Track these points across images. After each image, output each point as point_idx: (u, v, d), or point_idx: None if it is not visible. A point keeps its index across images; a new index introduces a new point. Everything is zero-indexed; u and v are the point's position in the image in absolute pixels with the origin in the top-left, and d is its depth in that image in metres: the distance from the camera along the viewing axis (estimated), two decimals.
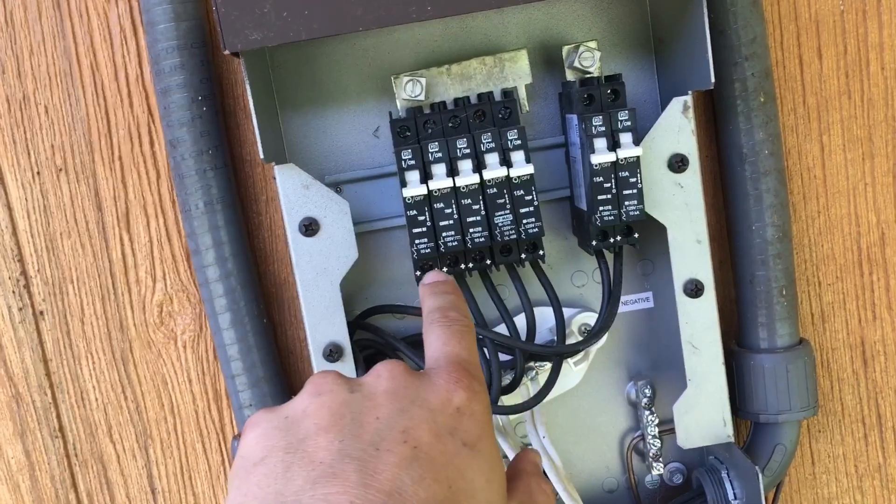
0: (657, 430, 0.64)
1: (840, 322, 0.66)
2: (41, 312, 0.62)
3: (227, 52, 0.49)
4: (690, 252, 0.58)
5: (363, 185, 0.62)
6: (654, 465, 0.64)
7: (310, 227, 0.56)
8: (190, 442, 0.64)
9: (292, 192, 0.56)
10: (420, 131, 0.55)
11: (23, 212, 0.61)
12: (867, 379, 0.67)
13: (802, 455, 0.68)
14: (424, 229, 0.55)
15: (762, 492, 0.57)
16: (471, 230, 0.55)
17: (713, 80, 0.53)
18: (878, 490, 0.68)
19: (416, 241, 0.55)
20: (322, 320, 0.57)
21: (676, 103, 0.56)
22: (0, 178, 0.61)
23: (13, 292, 0.62)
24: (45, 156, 0.61)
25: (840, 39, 0.63)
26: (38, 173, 0.61)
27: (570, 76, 0.59)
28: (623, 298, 0.64)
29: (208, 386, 0.64)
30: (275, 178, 0.55)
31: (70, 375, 0.63)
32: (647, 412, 0.64)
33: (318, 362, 0.57)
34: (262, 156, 0.52)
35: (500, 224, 0.55)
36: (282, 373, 0.62)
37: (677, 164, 0.57)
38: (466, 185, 0.54)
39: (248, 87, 0.52)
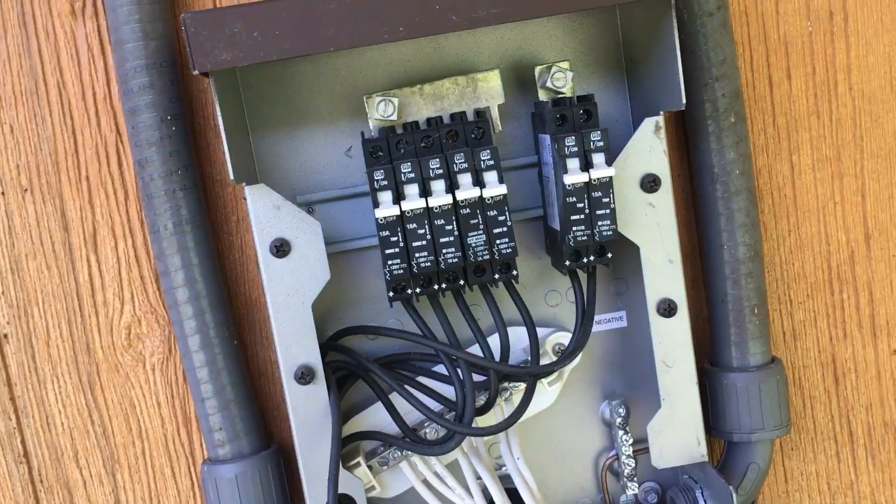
0: (631, 449, 0.64)
1: (811, 340, 0.66)
2: (5, 335, 0.61)
3: (196, 72, 0.49)
4: (663, 271, 0.58)
5: (335, 204, 0.61)
6: (629, 484, 0.64)
7: (281, 248, 0.55)
8: (159, 466, 0.63)
9: (263, 212, 0.55)
10: (392, 151, 0.55)
11: None
12: (839, 396, 0.67)
13: (776, 473, 0.68)
14: (397, 250, 0.54)
15: None
16: (444, 251, 0.54)
17: (684, 101, 0.53)
18: None
19: (389, 262, 0.54)
20: (293, 342, 0.56)
21: (648, 124, 0.56)
22: None
23: None
24: (10, 176, 0.60)
25: (808, 60, 0.64)
26: (3, 193, 0.60)
27: (542, 96, 0.59)
28: (597, 318, 0.64)
29: (177, 409, 0.63)
30: (245, 199, 0.55)
31: (35, 399, 0.62)
32: (621, 431, 0.64)
33: (289, 385, 0.56)
34: (231, 176, 0.51)
35: (473, 245, 0.55)
36: (253, 396, 0.61)
37: (649, 184, 0.57)
38: (439, 206, 0.54)
39: (217, 107, 0.51)
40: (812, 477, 0.68)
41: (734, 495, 0.57)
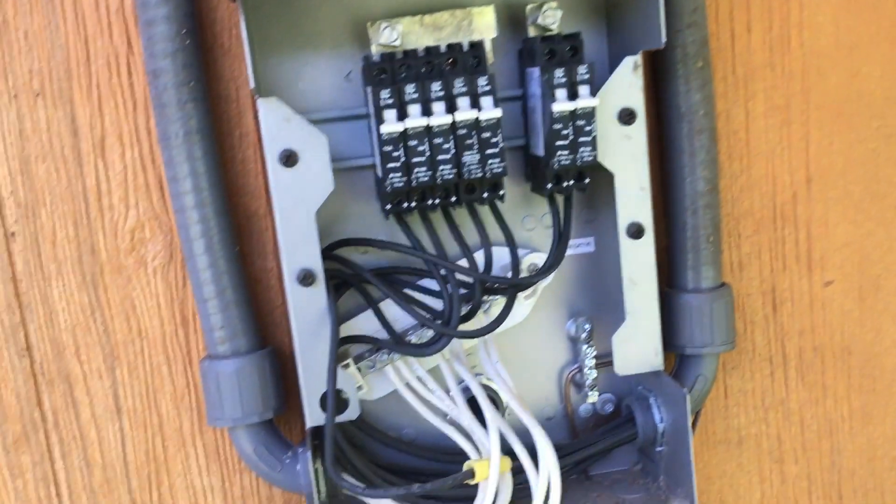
0: (594, 361, 0.70)
1: (755, 270, 0.74)
2: (13, 234, 0.64)
3: None
4: (634, 198, 0.64)
5: (332, 125, 0.65)
6: (590, 393, 0.71)
7: (289, 159, 0.59)
8: (156, 364, 0.67)
9: (273, 124, 0.59)
10: (396, 74, 0.60)
11: None
12: (776, 322, 0.75)
13: (717, 389, 0.76)
14: (398, 164, 0.59)
15: (688, 412, 0.65)
16: (441, 167, 0.59)
17: (664, 39, 0.59)
18: (781, 421, 0.77)
19: (391, 176, 0.59)
20: (297, 247, 0.61)
21: (628, 61, 0.62)
22: None
23: None
24: (23, 80, 0.62)
25: (767, 16, 0.70)
26: (16, 97, 0.62)
27: (532, 33, 0.64)
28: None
29: (176, 311, 0.67)
30: (256, 112, 0.59)
31: (40, 296, 0.65)
32: (585, 345, 0.70)
33: (291, 287, 0.61)
34: (252, 86, 0.55)
35: (467, 163, 0.60)
36: (251, 299, 0.65)
37: (626, 116, 0.63)
38: (439, 125, 0.59)
39: (243, 22, 0.55)
40: (749, 394, 0.76)
41: (687, 397, 0.64)
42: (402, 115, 0.59)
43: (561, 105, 0.60)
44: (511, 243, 0.64)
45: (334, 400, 0.60)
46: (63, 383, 0.66)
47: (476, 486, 0.63)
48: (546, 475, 0.62)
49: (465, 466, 0.62)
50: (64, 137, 0.63)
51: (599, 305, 0.71)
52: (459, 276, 0.63)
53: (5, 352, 0.65)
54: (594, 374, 0.71)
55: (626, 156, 0.63)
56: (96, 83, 0.63)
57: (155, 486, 0.69)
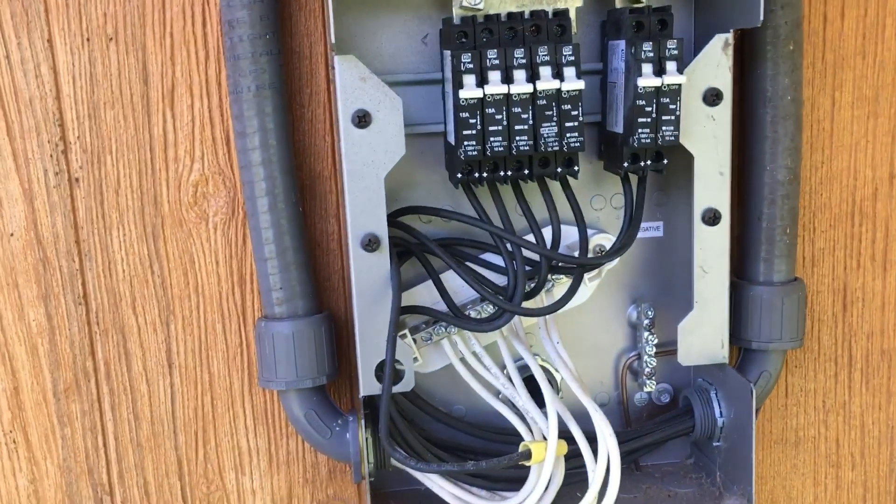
0: (654, 350, 0.68)
1: (828, 267, 0.71)
2: (77, 179, 0.63)
3: None
4: (713, 182, 0.62)
5: (406, 89, 0.63)
6: (648, 382, 0.69)
7: (363, 119, 0.58)
8: (211, 322, 0.66)
9: (349, 83, 0.57)
10: (478, 38, 0.58)
11: (68, 77, 0.61)
12: (844, 322, 0.73)
13: (778, 387, 0.73)
14: (474, 132, 0.57)
15: (753, 408, 0.62)
16: (517, 138, 0.57)
17: (762, 17, 0.56)
18: (841, 425, 0.75)
19: (465, 143, 0.57)
20: (364, 211, 0.59)
21: (718, 40, 0.60)
22: (49, 40, 0.61)
23: (51, 156, 0.62)
24: (97, 23, 0.61)
25: (862, 2, 0.67)
26: (88, 40, 0.61)
27: (619, 3, 0.62)
28: None
29: (234, 269, 0.66)
30: (329, 70, 0.57)
31: (99, 245, 0.64)
32: (646, 332, 0.68)
33: (354, 251, 0.59)
34: (332, 41, 0.53)
35: (545, 135, 0.58)
36: (310, 262, 0.64)
37: (712, 97, 0.60)
38: (519, 94, 0.57)
39: None
40: (810, 393, 0.74)
41: (753, 391, 0.62)
42: (481, 82, 0.57)
43: (646, 80, 0.57)
44: (581, 222, 0.62)
45: (392, 369, 0.59)
46: (117, 334, 0.66)
47: (529, 467, 0.62)
48: (604, 462, 0.60)
49: (522, 447, 0.60)
50: (134, 85, 0.62)
51: (663, 292, 0.69)
52: (525, 252, 0.61)
53: (62, 299, 0.64)
54: (654, 362, 0.69)
55: (708, 138, 0.61)
56: (170, 31, 0.62)
57: (201, 443, 0.68)
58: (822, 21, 0.67)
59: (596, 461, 0.61)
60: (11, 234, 0.63)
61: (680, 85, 0.58)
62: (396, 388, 0.62)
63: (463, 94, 0.56)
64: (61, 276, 0.64)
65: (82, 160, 0.63)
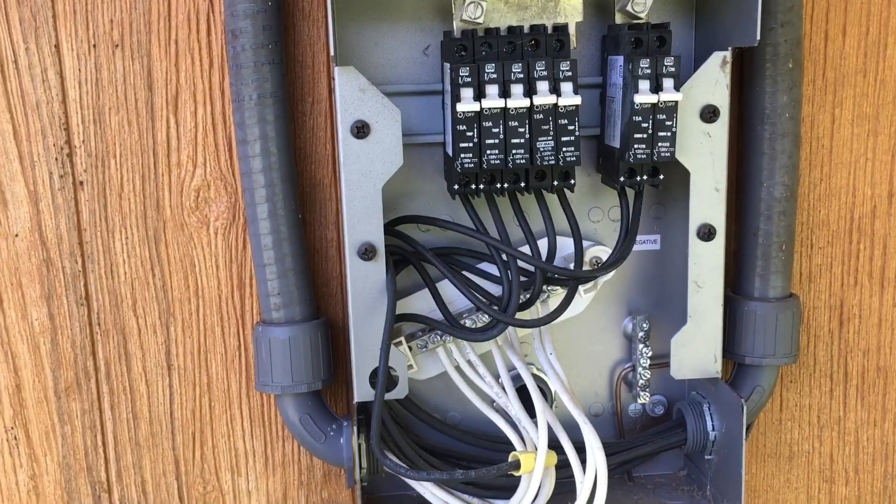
0: (649, 362, 0.69)
1: (825, 283, 0.72)
2: (81, 182, 0.64)
3: None
4: (708, 198, 0.62)
5: (405, 99, 0.64)
6: (642, 394, 0.69)
7: (361, 130, 0.59)
8: (210, 325, 0.67)
9: (349, 93, 0.58)
10: (476, 52, 0.58)
11: (74, 82, 0.62)
12: (840, 339, 0.73)
13: (773, 402, 0.74)
14: (471, 145, 0.58)
15: (744, 423, 0.63)
16: (514, 151, 0.58)
17: (758, 37, 0.57)
18: (836, 440, 0.75)
19: (462, 156, 0.58)
20: (361, 220, 0.60)
21: (716, 57, 0.60)
22: (56, 46, 0.62)
23: (56, 159, 0.63)
24: (104, 30, 0.62)
25: (864, 20, 0.67)
26: (95, 46, 0.62)
27: (619, 20, 0.62)
28: None
29: (234, 273, 0.67)
30: (331, 79, 0.58)
31: (102, 247, 0.65)
32: (641, 345, 0.69)
33: (351, 259, 0.60)
34: (332, 53, 0.54)
35: (541, 149, 0.58)
36: (309, 268, 0.64)
37: (709, 114, 0.61)
38: (516, 108, 0.57)
39: None
40: (805, 409, 0.74)
41: (744, 408, 0.63)
42: (479, 95, 0.57)
43: (643, 97, 0.58)
44: (577, 235, 0.62)
45: (385, 377, 0.60)
46: (118, 335, 0.67)
47: (519, 477, 0.63)
48: (592, 474, 0.61)
49: (511, 457, 0.61)
50: (138, 91, 0.63)
51: (659, 305, 0.70)
52: (520, 264, 0.61)
53: (65, 299, 0.66)
54: (648, 374, 0.69)
55: (704, 155, 0.61)
56: (175, 38, 0.63)
57: (198, 444, 0.69)
58: (824, 39, 0.67)
59: (584, 472, 0.61)
60: (16, 235, 0.64)
61: (676, 102, 0.58)
62: (390, 395, 0.63)
63: (460, 107, 0.57)
64: (64, 276, 0.65)
65: (87, 164, 0.64)
